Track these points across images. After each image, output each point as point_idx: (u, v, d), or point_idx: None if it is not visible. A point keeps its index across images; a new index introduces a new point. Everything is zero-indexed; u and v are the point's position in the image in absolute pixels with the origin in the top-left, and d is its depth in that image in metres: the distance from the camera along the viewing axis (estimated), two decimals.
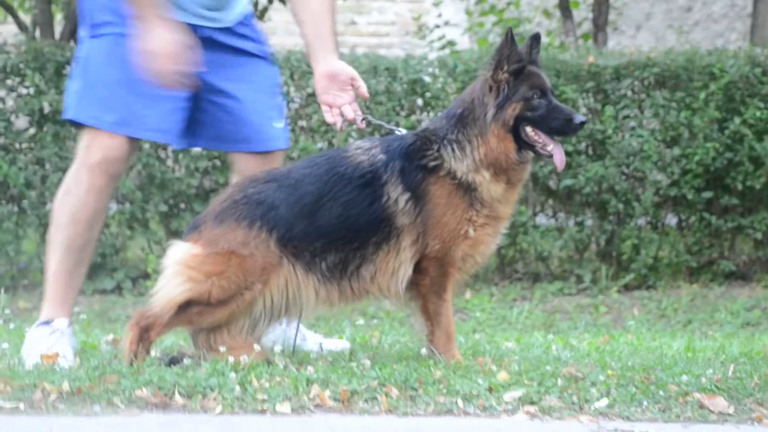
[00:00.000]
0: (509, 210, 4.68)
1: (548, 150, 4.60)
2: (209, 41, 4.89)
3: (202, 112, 4.94)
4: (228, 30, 4.97)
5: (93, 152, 4.81)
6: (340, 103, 4.90)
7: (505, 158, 4.57)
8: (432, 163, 4.58)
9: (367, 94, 4.92)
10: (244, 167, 5.01)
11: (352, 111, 4.91)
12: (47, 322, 4.84)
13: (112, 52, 4.76)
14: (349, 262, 4.56)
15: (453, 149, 4.58)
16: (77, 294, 4.98)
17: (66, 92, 4.97)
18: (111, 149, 4.80)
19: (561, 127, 4.59)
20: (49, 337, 4.78)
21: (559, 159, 4.60)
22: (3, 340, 5.60)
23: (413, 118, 9.78)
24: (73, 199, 4.83)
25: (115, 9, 4.76)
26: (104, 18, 4.79)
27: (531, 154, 4.64)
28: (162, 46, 4.58)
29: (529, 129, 4.59)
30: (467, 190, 4.57)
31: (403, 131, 4.84)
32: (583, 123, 4.60)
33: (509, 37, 4.56)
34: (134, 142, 4.87)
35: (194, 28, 4.83)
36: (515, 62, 4.57)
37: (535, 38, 4.66)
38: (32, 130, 9.72)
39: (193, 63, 4.65)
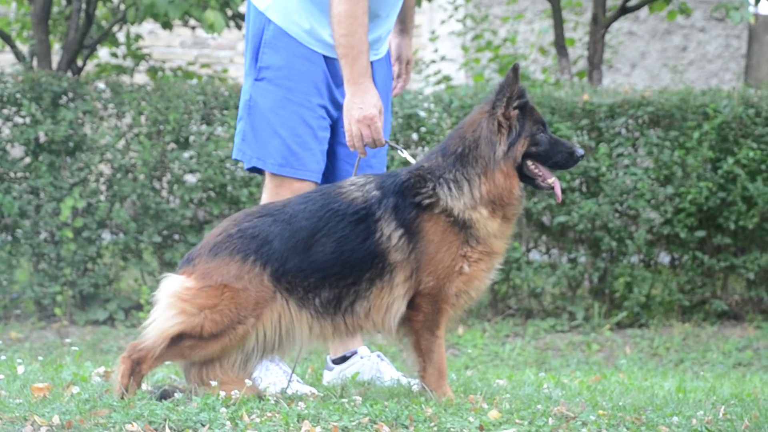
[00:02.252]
0: (504, 245, 4.69)
1: (549, 183, 4.63)
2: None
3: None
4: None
5: (284, 193, 4.94)
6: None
7: (509, 194, 4.59)
8: (426, 201, 4.59)
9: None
10: None
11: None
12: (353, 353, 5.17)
13: (275, 96, 4.91)
14: (343, 298, 4.56)
15: (450, 188, 4.59)
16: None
17: (236, 132, 5.10)
18: (300, 191, 4.90)
19: (564, 160, 4.65)
20: (367, 362, 5.11)
21: (559, 191, 4.66)
22: None
23: (408, 152, 9.80)
24: None
25: (278, 47, 4.88)
26: (268, 62, 4.90)
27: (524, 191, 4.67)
28: (371, 111, 4.77)
29: (529, 163, 4.62)
30: (462, 227, 4.58)
31: (406, 153, 4.90)
32: (582, 156, 4.68)
33: (516, 74, 4.58)
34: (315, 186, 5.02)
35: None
36: (518, 98, 4.61)
37: (515, 69, 4.68)
38: (27, 160, 9.74)
39: (382, 126, 4.85)
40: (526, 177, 4.63)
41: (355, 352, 5.22)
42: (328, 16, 4.84)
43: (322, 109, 4.98)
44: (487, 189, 4.58)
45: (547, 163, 4.62)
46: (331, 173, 5.13)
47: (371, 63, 4.94)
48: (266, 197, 5.05)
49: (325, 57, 4.94)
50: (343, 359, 5.25)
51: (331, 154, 5.12)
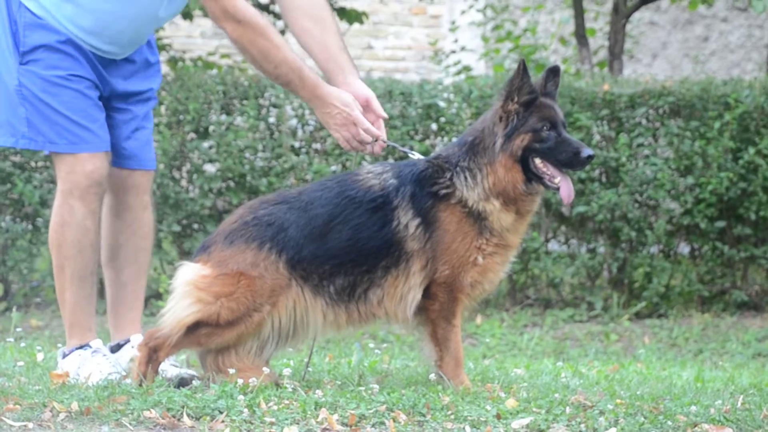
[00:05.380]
0: (518, 239, 4.68)
1: (555, 182, 4.59)
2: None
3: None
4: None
5: (78, 178, 4.79)
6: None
7: (513, 188, 4.58)
8: (444, 191, 4.58)
9: (383, 115, 4.85)
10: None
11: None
12: (84, 346, 4.86)
13: (43, 77, 4.76)
14: (358, 285, 4.57)
15: (465, 177, 4.59)
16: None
17: (10, 116, 4.85)
18: (96, 170, 4.80)
19: (568, 159, 4.58)
20: (93, 358, 4.80)
21: (566, 192, 4.59)
22: (16, 358, 5.62)
23: (427, 142, 9.80)
24: (73, 229, 4.82)
25: (40, 26, 4.75)
26: (31, 42, 4.76)
27: (541, 187, 4.63)
28: (341, 112, 4.68)
29: (538, 161, 4.60)
30: (477, 218, 4.58)
31: (417, 155, 4.83)
32: (590, 157, 4.59)
33: (521, 69, 4.57)
34: (110, 157, 4.88)
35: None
36: (526, 94, 4.58)
37: (552, 71, 4.66)
38: None
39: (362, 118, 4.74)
40: (535, 175, 4.60)
41: (128, 341, 5.02)
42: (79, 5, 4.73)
43: (88, 81, 4.80)
44: (492, 180, 4.57)
45: (551, 161, 4.59)
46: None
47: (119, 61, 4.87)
48: (60, 188, 4.85)
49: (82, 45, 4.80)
50: (117, 347, 5.05)
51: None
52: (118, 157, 4.97)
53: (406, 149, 4.98)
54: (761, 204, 9.61)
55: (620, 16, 11.33)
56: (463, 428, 4.11)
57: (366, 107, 4.80)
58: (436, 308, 4.60)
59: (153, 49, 5.06)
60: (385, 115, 4.85)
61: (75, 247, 4.82)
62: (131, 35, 4.81)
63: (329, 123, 4.74)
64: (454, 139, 5.00)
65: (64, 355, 4.88)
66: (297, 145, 9.85)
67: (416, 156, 4.82)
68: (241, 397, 4.25)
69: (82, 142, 4.79)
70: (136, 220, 5.02)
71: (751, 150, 9.56)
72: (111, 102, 4.94)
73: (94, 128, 4.80)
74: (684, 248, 10.06)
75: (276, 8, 10.75)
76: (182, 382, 4.51)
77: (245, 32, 4.71)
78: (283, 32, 10.80)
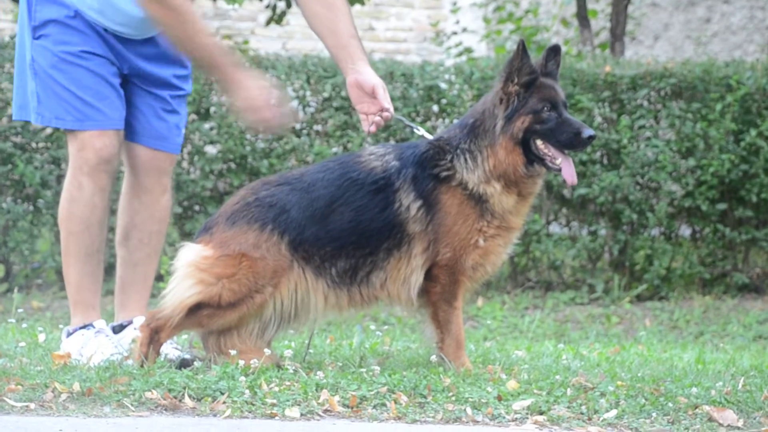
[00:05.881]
0: (520, 221, 4.68)
1: (557, 164, 4.58)
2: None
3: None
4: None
5: (88, 155, 4.81)
6: (374, 111, 4.77)
7: (513, 170, 4.57)
8: (444, 173, 4.58)
9: (388, 113, 4.77)
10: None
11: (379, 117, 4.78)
12: (87, 326, 4.87)
13: (53, 52, 4.78)
14: (360, 268, 4.57)
15: (466, 159, 4.58)
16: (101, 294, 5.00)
17: (19, 92, 4.91)
18: (105, 148, 4.81)
19: (569, 140, 4.57)
20: (96, 338, 4.81)
21: (569, 173, 4.57)
22: (17, 339, 5.63)
23: (428, 124, 9.79)
24: (81, 205, 4.84)
25: (50, 1, 4.76)
26: (41, 17, 4.79)
27: (543, 169, 4.62)
28: (257, 97, 4.66)
29: (539, 142, 4.58)
30: (478, 201, 4.58)
31: (422, 131, 4.80)
32: (591, 137, 4.57)
33: (520, 50, 4.55)
34: (121, 136, 4.88)
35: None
36: (527, 74, 4.56)
37: (553, 50, 4.64)
38: (48, 130, 9.76)
39: (283, 101, 4.74)
40: (536, 157, 4.59)
41: (131, 322, 5.03)
42: None
43: (101, 57, 4.81)
44: (492, 162, 4.56)
45: (552, 142, 4.57)
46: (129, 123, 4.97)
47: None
48: (71, 164, 4.85)
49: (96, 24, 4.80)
50: (120, 328, 5.05)
51: (129, 105, 4.96)
52: (145, 136, 4.98)
53: (413, 125, 4.93)
54: (762, 186, 9.60)
55: None
56: (464, 410, 4.12)
57: (372, 95, 4.75)
58: (438, 290, 4.60)
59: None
60: (390, 107, 4.77)
61: (82, 223, 4.84)
62: (138, 16, 4.78)
63: (242, 108, 4.69)
64: (456, 121, 4.97)
65: (69, 334, 4.89)
66: (298, 126, 9.84)
67: (422, 132, 4.80)
68: (243, 378, 4.25)
69: (88, 119, 4.79)
70: (153, 203, 5.04)
71: (753, 132, 9.54)
72: (135, 81, 4.94)
73: (100, 106, 4.81)
74: (685, 230, 10.05)
75: None
76: (184, 363, 4.52)
77: (167, 15, 4.66)
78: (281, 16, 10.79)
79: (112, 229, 9.82)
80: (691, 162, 9.63)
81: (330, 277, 4.56)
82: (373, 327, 8.17)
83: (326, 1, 4.81)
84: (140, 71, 4.91)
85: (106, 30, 4.81)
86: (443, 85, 9.81)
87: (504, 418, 4.10)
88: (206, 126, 9.75)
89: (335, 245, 4.54)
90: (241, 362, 4.43)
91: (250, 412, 4.05)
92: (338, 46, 4.80)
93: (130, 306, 5.04)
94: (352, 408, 4.10)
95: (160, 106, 4.98)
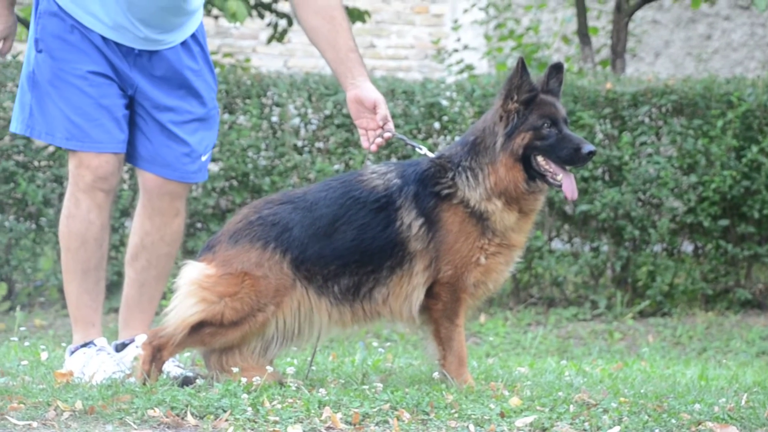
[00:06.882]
0: (523, 238, 4.67)
1: (558, 179, 4.59)
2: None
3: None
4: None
5: (84, 172, 4.79)
6: (373, 126, 4.77)
7: (514, 187, 4.58)
8: (446, 191, 4.58)
9: (389, 132, 4.77)
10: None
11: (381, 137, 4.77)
12: (88, 344, 4.86)
13: (51, 68, 4.79)
14: (362, 285, 4.57)
15: (467, 177, 4.59)
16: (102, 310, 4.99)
17: (18, 104, 4.90)
18: (101, 167, 4.79)
19: (569, 156, 4.57)
20: (98, 356, 4.80)
21: (569, 188, 4.58)
22: (20, 357, 5.63)
23: (430, 141, 9.80)
24: (77, 221, 4.83)
25: (51, 18, 4.78)
26: (41, 29, 4.79)
27: (544, 185, 4.63)
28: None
29: (540, 158, 4.59)
30: (480, 218, 4.58)
31: (425, 150, 4.79)
32: (591, 152, 4.58)
33: (519, 67, 4.56)
34: (120, 157, 4.85)
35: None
36: (526, 92, 4.57)
37: (555, 68, 4.65)
38: (51, 148, 9.78)
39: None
40: (537, 173, 4.60)
41: (133, 341, 5.00)
42: None
43: (99, 76, 4.78)
44: (493, 180, 4.57)
45: (552, 157, 4.58)
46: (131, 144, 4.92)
47: (161, 52, 4.82)
48: (70, 181, 4.83)
49: (102, 36, 4.78)
50: (122, 346, 5.03)
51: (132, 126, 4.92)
52: (150, 162, 4.92)
53: (414, 143, 4.92)
54: (765, 202, 9.60)
55: (623, 14, 11.32)
56: (467, 426, 4.11)
57: (372, 111, 4.75)
58: (440, 308, 4.60)
59: (205, 85, 4.96)
60: (390, 122, 4.76)
61: (78, 240, 4.83)
62: (139, 13, 4.75)
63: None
64: (457, 138, 5.00)
65: (71, 352, 4.89)
66: (300, 143, 9.85)
67: (423, 151, 4.79)
68: (245, 395, 4.25)
69: (74, 139, 4.78)
70: (165, 225, 4.97)
71: (754, 148, 9.55)
72: (142, 103, 4.88)
73: (88, 129, 4.78)
74: (687, 247, 10.05)
75: (278, 7, 10.76)
76: (186, 381, 4.52)
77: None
78: (285, 32, 10.82)
79: (116, 247, 9.86)
80: (693, 178, 9.64)
81: (333, 294, 4.56)
82: (375, 344, 8.17)
83: (326, 15, 4.82)
84: (144, 93, 4.88)
85: (105, 42, 4.78)
86: (444, 103, 9.83)
87: None
88: None
89: (338, 264, 4.55)
90: (244, 380, 4.43)
91: (252, 430, 4.05)
92: (338, 60, 4.80)
93: (134, 324, 5.03)
94: (354, 425, 4.10)
95: (164, 133, 4.92)
